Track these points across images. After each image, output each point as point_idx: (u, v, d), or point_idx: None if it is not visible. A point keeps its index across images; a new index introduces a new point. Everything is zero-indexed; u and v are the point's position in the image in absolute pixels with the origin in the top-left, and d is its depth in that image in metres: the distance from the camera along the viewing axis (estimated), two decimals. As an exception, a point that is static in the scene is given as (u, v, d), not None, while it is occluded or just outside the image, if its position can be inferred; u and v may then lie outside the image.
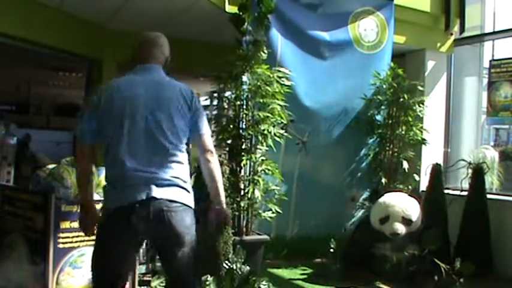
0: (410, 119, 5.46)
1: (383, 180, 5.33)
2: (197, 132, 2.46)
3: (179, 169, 2.37)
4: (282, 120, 4.84)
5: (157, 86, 2.43)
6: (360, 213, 5.61)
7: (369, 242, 4.81)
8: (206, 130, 2.49)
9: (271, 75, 4.67)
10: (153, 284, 3.73)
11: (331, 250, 4.93)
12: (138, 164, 2.27)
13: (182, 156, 2.40)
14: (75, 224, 3.09)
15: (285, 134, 4.95)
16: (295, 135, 5.24)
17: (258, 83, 4.60)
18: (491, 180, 5.65)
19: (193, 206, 2.42)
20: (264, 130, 4.60)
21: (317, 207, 5.45)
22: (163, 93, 2.41)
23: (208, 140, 2.47)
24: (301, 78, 5.24)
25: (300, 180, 5.35)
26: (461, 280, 4.40)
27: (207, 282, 3.67)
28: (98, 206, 3.18)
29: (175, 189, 2.32)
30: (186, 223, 2.32)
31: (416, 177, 5.57)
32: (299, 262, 5.13)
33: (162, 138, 2.32)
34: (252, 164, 4.64)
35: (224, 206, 2.52)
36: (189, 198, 2.39)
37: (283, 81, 4.76)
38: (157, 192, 2.25)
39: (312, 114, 5.31)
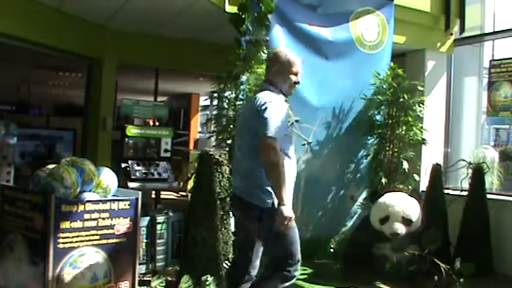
0: (410, 119, 5.45)
1: (383, 180, 5.33)
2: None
3: None
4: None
5: None
6: (359, 213, 5.61)
7: (369, 242, 4.81)
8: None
9: (271, 75, 4.66)
10: (153, 284, 3.73)
11: (332, 250, 4.93)
12: None
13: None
14: (75, 224, 3.09)
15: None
16: (300, 135, 5.24)
17: (258, 83, 4.60)
18: (491, 180, 5.65)
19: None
20: (264, 130, 4.60)
21: (322, 208, 5.46)
22: None
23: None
24: (305, 78, 5.23)
25: (307, 183, 5.34)
26: (461, 280, 4.41)
27: (207, 282, 3.67)
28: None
29: None
30: None
31: (416, 177, 5.57)
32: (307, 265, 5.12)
33: None
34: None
35: (282, 205, 2.79)
36: None
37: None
38: None
39: (315, 115, 5.32)
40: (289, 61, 3.15)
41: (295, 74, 3.16)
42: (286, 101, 4.67)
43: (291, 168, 3.02)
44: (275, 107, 2.90)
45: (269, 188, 2.88)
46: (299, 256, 3.01)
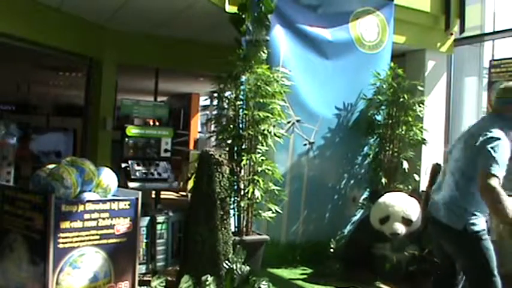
0: (410, 119, 5.46)
1: (383, 180, 5.33)
2: None
3: None
4: (283, 120, 4.85)
5: None
6: (360, 214, 5.61)
7: (369, 242, 4.81)
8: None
9: (271, 75, 4.67)
10: (153, 284, 3.73)
11: (331, 250, 4.93)
12: None
13: None
14: (75, 224, 3.09)
15: (285, 134, 4.97)
16: (302, 135, 5.25)
17: (258, 83, 4.60)
18: (491, 180, 5.64)
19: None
20: (264, 130, 4.61)
21: (323, 208, 5.47)
22: None
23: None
24: (305, 78, 5.26)
25: (309, 183, 5.35)
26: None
27: (207, 282, 3.67)
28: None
29: None
30: None
31: (416, 177, 5.57)
32: (306, 264, 5.13)
33: None
34: (252, 164, 4.64)
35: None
36: None
37: (283, 81, 4.77)
38: None
39: (316, 115, 5.32)
40: None
41: None
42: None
43: None
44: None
45: None
46: None
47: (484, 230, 3.00)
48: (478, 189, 2.79)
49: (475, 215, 2.94)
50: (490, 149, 2.77)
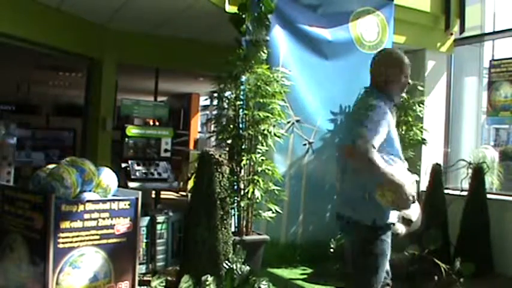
0: (410, 119, 5.46)
1: (383, 180, 5.32)
2: None
3: None
4: (283, 120, 4.85)
5: None
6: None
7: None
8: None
9: (271, 75, 4.67)
10: (153, 284, 3.73)
11: (331, 250, 4.93)
12: None
13: None
14: (75, 224, 3.09)
15: (285, 134, 4.97)
16: (301, 135, 5.25)
17: (258, 83, 4.60)
18: (491, 180, 5.66)
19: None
20: (264, 130, 4.61)
21: (323, 208, 5.46)
22: None
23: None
24: (305, 78, 5.26)
25: (308, 182, 5.35)
26: (461, 280, 4.41)
27: (207, 282, 3.67)
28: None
29: None
30: None
31: (416, 177, 5.56)
32: (306, 264, 5.13)
33: None
34: (252, 164, 4.64)
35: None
36: None
37: (283, 81, 4.77)
38: None
39: (316, 115, 5.32)
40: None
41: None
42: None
43: None
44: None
45: None
46: None
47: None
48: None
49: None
50: (363, 116, 2.56)
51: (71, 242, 3.07)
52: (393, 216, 2.86)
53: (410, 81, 2.81)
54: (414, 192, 2.67)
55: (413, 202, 2.71)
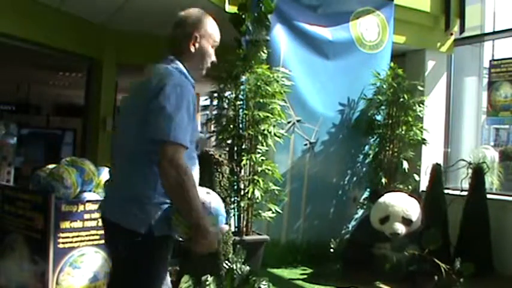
0: (410, 119, 5.46)
1: (383, 180, 5.33)
2: None
3: None
4: (283, 120, 4.85)
5: None
6: (360, 213, 5.62)
7: (369, 242, 4.81)
8: None
9: (271, 75, 4.67)
10: (153, 284, 3.73)
11: (331, 250, 4.93)
12: None
13: None
14: (75, 224, 3.09)
15: (285, 134, 4.97)
16: (302, 135, 5.25)
17: (258, 83, 4.60)
18: (491, 180, 5.66)
19: None
20: (264, 130, 4.61)
21: (324, 208, 5.47)
22: None
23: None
24: (306, 78, 5.26)
25: (309, 182, 5.35)
26: (461, 280, 4.40)
27: (207, 282, 3.67)
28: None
29: None
30: None
31: (416, 177, 5.57)
32: (306, 264, 5.13)
33: None
34: (252, 164, 4.64)
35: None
36: None
37: (283, 81, 4.77)
38: None
39: (316, 114, 5.33)
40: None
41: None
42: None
43: None
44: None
45: None
46: None
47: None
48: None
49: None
50: (165, 105, 1.84)
51: (71, 242, 3.07)
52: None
53: (214, 59, 2.21)
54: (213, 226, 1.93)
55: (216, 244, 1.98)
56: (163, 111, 1.83)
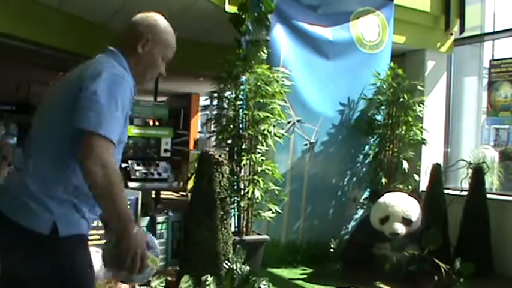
0: (410, 119, 5.46)
1: (383, 180, 5.33)
2: None
3: None
4: (283, 120, 4.85)
5: None
6: (360, 214, 5.62)
7: (369, 242, 4.81)
8: None
9: (271, 75, 4.67)
10: (153, 284, 3.73)
11: (331, 250, 4.93)
12: None
13: None
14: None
15: (285, 134, 4.97)
16: (302, 135, 5.26)
17: (258, 83, 4.60)
18: (491, 180, 5.66)
19: None
20: (264, 130, 4.61)
21: (324, 208, 5.47)
22: None
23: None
24: (306, 78, 5.26)
25: (309, 182, 5.35)
26: (461, 280, 4.41)
27: (207, 282, 3.67)
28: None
29: None
30: None
31: (416, 177, 5.57)
32: (306, 264, 5.12)
33: None
34: (252, 164, 4.64)
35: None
36: None
37: (283, 81, 4.77)
38: None
39: (316, 114, 5.33)
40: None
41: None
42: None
43: None
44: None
45: None
46: None
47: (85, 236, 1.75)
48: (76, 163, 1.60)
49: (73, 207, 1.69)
50: (99, 93, 1.63)
51: (71, 242, 3.07)
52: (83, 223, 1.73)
53: (163, 71, 1.97)
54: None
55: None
56: (96, 100, 1.61)
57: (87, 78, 1.68)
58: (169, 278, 3.93)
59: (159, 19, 2.06)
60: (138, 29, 1.96)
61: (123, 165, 5.76)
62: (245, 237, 4.53)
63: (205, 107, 13.78)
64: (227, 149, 4.69)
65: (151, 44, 1.92)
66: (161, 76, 1.99)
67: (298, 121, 5.20)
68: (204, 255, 3.88)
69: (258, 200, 4.57)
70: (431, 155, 5.98)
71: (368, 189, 5.57)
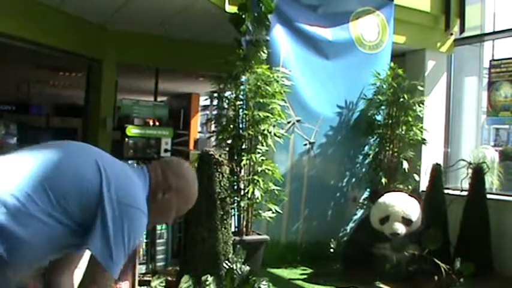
0: (410, 119, 5.46)
1: (383, 180, 5.33)
2: None
3: None
4: (283, 120, 4.85)
5: None
6: (360, 214, 5.62)
7: (369, 242, 4.81)
8: None
9: (271, 75, 4.67)
10: (153, 284, 3.73)
11: (331, 250, 4.93)
12: None
13: None
14: (75, 224, 3.08)
15: (285, 134, 4.97)
16: (302, 135, 5.26)
17: (258, 83, 4.60)
18: (491, 180, 5.66)
19: None
20: (264, 130, 4.61)
21: (324, 208, 5.47)
22: None
23: None
24: (306, 78, 5.26)
25: (309, 182, 5.35)
26: (461, 280, 4.41)
27: (207, 282, 3.67)
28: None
29: None
30: None
31: (416, 177, 5.57)
32: (306, 264, 5.12)
33: None
34: (252, 164, 4.64)
35: None
36: None
37: (283, 81, 4.77)
38: None
39: (316, 114, 5.33)
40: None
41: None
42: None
43: None
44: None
45: None
46: None
47: None
48: None
49: None
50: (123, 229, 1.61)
51: (71, 242, 3.07)
52: None
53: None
54: None
55: None
56: (119, 237, 1.59)
57: (112, 191, 1.63)
58: (169, 278, 3.93)
59: (188, 171, 1.88)
60: (165, 172, 1.81)
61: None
62: (245, 237, 4.52)
63: (205, 107, 13.74)
64: (227, 149, 4.69)
65: (172, 193, 1.80)
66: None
67: (298, 121, 5.20)
68: (204, 255, 3.87)
69: (258, 200, 4.57)
70: (431, 155, 5.98)
71: (368, 189, 5.57)
